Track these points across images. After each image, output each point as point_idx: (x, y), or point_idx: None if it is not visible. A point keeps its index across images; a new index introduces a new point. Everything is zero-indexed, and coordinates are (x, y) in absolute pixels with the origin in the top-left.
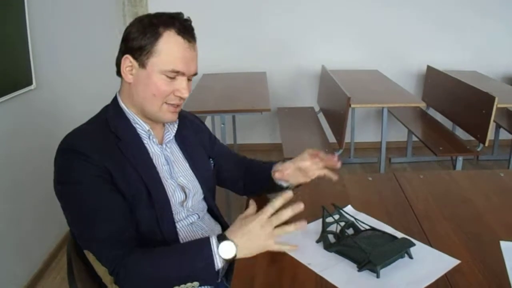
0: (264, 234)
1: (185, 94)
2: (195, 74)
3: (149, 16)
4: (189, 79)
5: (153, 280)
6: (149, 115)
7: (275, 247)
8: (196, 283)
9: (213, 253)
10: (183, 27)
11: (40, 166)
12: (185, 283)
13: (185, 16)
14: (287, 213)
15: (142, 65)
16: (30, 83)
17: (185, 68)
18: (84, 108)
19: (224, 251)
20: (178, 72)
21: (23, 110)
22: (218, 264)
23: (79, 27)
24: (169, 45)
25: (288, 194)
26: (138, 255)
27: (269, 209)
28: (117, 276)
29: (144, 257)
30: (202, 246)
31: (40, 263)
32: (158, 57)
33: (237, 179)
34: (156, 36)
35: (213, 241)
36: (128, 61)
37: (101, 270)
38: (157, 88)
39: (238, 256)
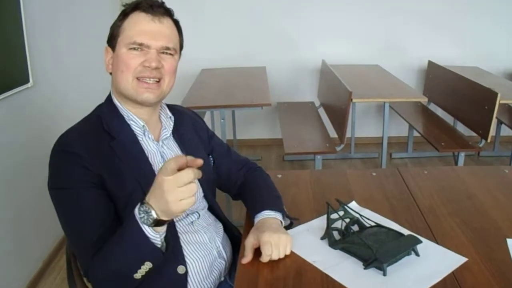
0: (171, 199)
1: (153, 63)
2: (168, 49)
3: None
4: (168, 53)
5: (111, 275)
6: (128, 95)
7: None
8: (148, 263)
9: (139, 223)
10: (147, 5)
11: (38, 164)
12: (140, 267)
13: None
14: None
15: (114, 49)
16: (27, 81)
17: (148, 40)
18: (81, 106)
19: (145, 218)
20: (142, 44)
21: (20, 108)
22: (148, 231)
23: (76, 23)
24: (132, 21)
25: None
26: (95, 258)
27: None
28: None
29: (97, 259)
30: (129, 222)
31: (40, 264)
32: (122, 34)
33: (231, 181)
34: (123, 19)
35: (136, 211)
36: (108, 52)
37: None
38: (124, 63)
39: (162, 217)
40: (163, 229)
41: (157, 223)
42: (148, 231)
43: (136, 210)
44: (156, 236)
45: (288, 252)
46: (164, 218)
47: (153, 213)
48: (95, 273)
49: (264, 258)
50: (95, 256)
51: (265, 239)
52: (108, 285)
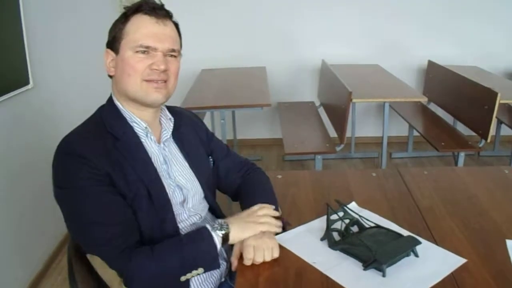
0: (253, 220)
1: (161, 66)
2: (174, 51)
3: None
4: (172, 56)
5: (160, 275)
6: (136, 98)
7: (263, 228)
8: (200, 269)
9: (211, 232)
10: (150, 7)
11: (39, 166)
12: (190, 271)
13: (158, 1)
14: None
15: (117, 52)
16: (27, 83)
17: (155, 43)
18: (81, 107)
19: (218, 228)
20: (148, 47)
21: (20, 109)
22: (217, 241)
23: (76, 25)
24: (135, 24)
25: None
26: (142, 254)
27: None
28: (126, 279)
29: (147, 255)
30: (200, 230)
31: (41, 264)
32: (127, 37)
33: (230, 182)
34: (124, 21)
35: (208, 226)
36: (109, 55)
37: (108, 274)
38: (131, 67)
39: (232, 234)
40: (226, 238)
41: (223, 239)
42: (217, 239)
43: (210, 223)
44: (218, 246)
45: (275, 255)
46: (233, 236)
47: (227, 226)
48: (142, 270)
49: (246, 262)
50: (143, 256)
51: (248, 242)
52: (146, 283)
